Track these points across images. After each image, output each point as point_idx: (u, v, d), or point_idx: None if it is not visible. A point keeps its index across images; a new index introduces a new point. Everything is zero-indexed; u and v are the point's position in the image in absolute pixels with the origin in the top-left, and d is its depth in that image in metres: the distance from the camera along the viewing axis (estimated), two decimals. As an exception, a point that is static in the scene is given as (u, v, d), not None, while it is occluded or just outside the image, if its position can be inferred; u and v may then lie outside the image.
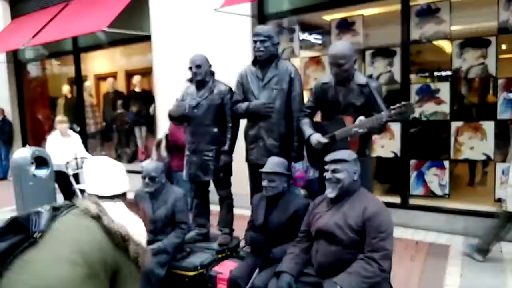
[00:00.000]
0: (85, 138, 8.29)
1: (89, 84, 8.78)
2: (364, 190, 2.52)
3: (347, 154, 2.50)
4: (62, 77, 9.39)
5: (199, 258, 3.29)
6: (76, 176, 5.23)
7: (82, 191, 4.77)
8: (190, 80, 3.61)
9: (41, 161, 4.83)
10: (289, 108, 3.26)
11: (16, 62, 9.36)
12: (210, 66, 3.53)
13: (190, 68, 3.46)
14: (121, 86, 8.84)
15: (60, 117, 5.56)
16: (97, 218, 1.56)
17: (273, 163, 2.90)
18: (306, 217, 2.65)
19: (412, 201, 4.70)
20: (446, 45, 4.55)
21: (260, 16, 5.44)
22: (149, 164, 3.29)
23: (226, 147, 3.49)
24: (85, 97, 8.46)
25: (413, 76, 4.73)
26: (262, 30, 3.22)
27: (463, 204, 4.42)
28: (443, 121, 4.55)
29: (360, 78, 2.93)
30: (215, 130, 3.50)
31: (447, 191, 4.59)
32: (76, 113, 8.35)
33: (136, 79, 7.95)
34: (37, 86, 10.00)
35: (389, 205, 4.64)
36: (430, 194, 4.66)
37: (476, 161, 4.46)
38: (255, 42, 3.20)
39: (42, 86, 9.98)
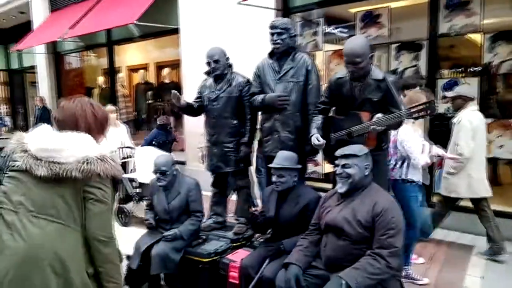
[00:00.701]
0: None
1: (121, 75, 9.06)
2: (376, 185, 2.49)
3: (358, 148, 2.47)
4: (97, 68, 9.75)
5: (213, 246, 3.36)
6: (123, 165, 5.18)
7: (131, 180, 4.91)
8: (208, 73, 3.66)
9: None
10: (305, 101, 3.26)
11: (56, 53, 9.81)
12: (228, 58, 3.56)
13: (208, 63, 3.51)
14: (152, 77, 9.08)
15: (110, 107, 5.48)
16: (25, 171, 1.56)
17: (282, 158, 2.90)
18: (316, 210, 2.66)
19: (435, 199, 4.58)
20: (477, 39, 4.38)
21: (285, 9, 5.44)
22: (159, 159, 3.34)
23: (245, 139, 3.55)
24: (118, 88, 8.73)
25: (440, 71, 4.59)
26: (279, 22, 3.22)
27: (489, 204, 4.27)
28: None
29: (377, 73, 2.85)
30: (235, 122, 3.55)
31: (472, 190, 4.44)
32: (110, 103, 8.64)
33: (165, 71, 8.15)
34: (74, 76, 10.44)
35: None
36: (455, 193, 4.51)
37: (504, 160, 4.29)
38: (272, 34, 3.21)
39: (79, 76, 10.40)
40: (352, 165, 2.40)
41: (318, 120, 3.11)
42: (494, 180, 4.81)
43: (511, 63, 4.18)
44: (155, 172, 3.28)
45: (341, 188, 2.44)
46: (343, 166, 2.42)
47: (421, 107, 2.58)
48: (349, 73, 2.87)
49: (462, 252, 3.91)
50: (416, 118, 2.74)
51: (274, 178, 2.87)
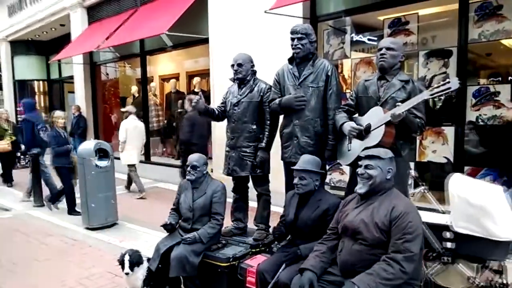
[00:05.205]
0: (148, 135, 8.82)
1: (154, 84, 9.31)
2: (396, 190, 2.44)
3: (383, 151, 2.46)
4: (131, 78, 10.06)
5: (232, 251, 3.38)
6: None
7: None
8: (234, 79, 3.72)
9: (103, 153, 5.24)
10: (324, 106, 3.24)
11: (92, 63, 10.21)
12: (253, 65, 3.61)
13: (232, 65, 3.58)
14: (183, 86, 9.28)
15: None
16: None
17: (305, 161, 2.91)
18: (336, 215, 2.63)
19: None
20: (508, 45, 4.23)
21: (312, 17, 5.45)
22: (193, 155, 3.51)
23: (263, 144, 3.54)
24: (150, 97, 8.98)
25: (470, 78, 4.45)
26: (300, 27, 3.22)
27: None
28: (503, 126, 4.22)
29: (403, 76, 2.94)
30: (254, 127, 3.57)
31: (505, 202, 4.24)
32: (142, 112, 8.88)
33: (195, 80, 8.31)
34: (109, 86, 10.83)
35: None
36: (486, 204, 4.33)
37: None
38: (292, 40, 3.22)
39: (113, 86, 10.79)
40: (375, 166, 2.38)
41: (343, 115, 3.12)
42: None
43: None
44: (187, 166, 3.42)
45: (360, 188, 2.41)
46: (366, 166, 2.40)
47: (443, 87, 2.51)
48: (378, 63, 2.94)
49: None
50: (440, 97, 2.68)
51: (295, 180, 2.88)
